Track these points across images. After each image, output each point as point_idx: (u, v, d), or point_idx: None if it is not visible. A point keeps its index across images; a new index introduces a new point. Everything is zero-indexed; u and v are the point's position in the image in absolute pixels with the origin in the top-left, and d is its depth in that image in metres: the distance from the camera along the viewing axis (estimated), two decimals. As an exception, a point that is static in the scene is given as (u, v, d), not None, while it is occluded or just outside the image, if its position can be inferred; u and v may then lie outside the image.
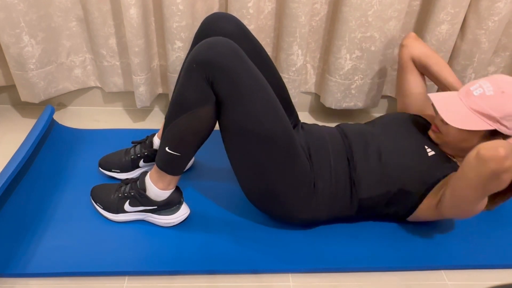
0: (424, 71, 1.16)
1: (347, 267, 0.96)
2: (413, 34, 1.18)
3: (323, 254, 0.98)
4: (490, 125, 0.89)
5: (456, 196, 0.85)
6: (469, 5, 1.27)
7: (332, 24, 1.34)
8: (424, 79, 1.19)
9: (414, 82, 1.17)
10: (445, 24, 1.27)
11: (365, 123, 1.10)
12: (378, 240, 1.03)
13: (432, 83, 1.15)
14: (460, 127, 0.90)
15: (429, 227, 1.06)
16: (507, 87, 0.89)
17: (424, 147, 0.98)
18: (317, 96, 1.56)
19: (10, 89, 1.44)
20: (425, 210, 0.97)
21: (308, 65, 1.47)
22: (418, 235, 1.05)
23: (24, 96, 1.34)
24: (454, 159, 1.00)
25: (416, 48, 1.15)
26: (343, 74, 1.37)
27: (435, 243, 1.03)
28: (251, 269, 0.94)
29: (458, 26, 1.30)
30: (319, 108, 1.60)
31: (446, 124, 0.94)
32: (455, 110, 0.92)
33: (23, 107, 1.48)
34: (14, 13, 1.16)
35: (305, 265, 0.96)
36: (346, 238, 1.03)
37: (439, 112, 0.92)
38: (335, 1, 1.30)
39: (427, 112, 1.14)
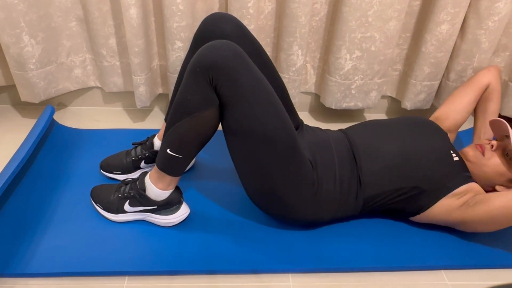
0: (483, 102, 1.20)
1: (347, 267, 0.96)
2: (499, 67, 1.22)
3: (323, 254, 0.98)
4: None
5: (498, 217, 0.91)
6: (469, 5, 1.27)
7: (332, 24, 1.34)
8: (473, 109, 1.22)
9: (469, 103, 1.20)
10: (445, 24, 1.27)
11: (379, 121, 1.11)
12: (378, 240, 1.03)
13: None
14: None
15: (429, 227, 1.06)
16: None
17: (450, 152, 1.02)
18: (317, 96, 1.56)
19: (10, 89, 1.44)
20: (443, 211, 0.98)
21: (308, 65, 1.47)
22: (418, 235, 1.05)
23: (24, 96, 1.34)
24: (469, 171, 1.04)
25: (497, 80, 1.19)
26: (343, 74, 1.37)
27: (435, 243, 1.03)
28: (251, 269, 0.94)
29: (458, 26, 1.30)
30: (319, 108, 1.60)
31: (494, 151, 1.01)
32: None
33: (23, 107, 1.48)
34: (14, 13, 1.16)
35: (305, 265, 0.96)
36: (346, 238, 1.03)
37: None
38: (335, 1, 1.30)
39: (451, 135, 1.19)
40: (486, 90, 1.20)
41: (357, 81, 1.39)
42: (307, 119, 1.56)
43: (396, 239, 1.03)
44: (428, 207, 0.99)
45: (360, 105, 1.46)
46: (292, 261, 0.96)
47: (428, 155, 1.00)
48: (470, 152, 1.05)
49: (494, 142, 1.03)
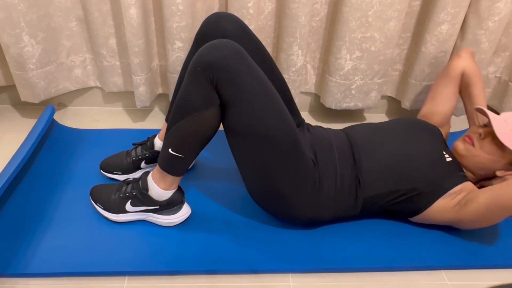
0: (464, 88, 1.18)
1: (347, 267, 0.96)
2: (471, 49, 1.19)
3: (323, 254, 0.98)
4: None
5: (490, 212, 0.91)
6: (469, 5, 1.27)
7: (332, 25, 1.34)
8: (457, 98, 1.21)
9: (450, 94, 1.19)
10: (445, 24, 1.27)
11: (377, 123, 1.11)
12: (378, 240, 1.03)
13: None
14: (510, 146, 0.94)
15: (429, 227, 1.06)
16: None
17: (443, 153, 1.02)
18: (317, 97, 1.56)
19: (10, 89, 1.44)
20: (439, 212, 0.98)
21: (308, 66, 1.47)
22: (418, 235, 1.05)
23: (24, 96, 1.34)
24: (464, 170, 1.03)
25: (471, 64, 1.17)
26: (343, 75, 1.37)
27: (435, 243, 1.03)
28: (251, 269, 0.94)
29: (458, 26, 1.30)
30: (319, 109, 1.60)
31: (483, 139, 1.00)
32: (504, 130, 0.95)
33: (23, 107, 1.48)
34: (14, 13, 1.16)
35: (305, 265, 0.96)
36: (346, 238, 1.03)
37: (495, 129, 0.95)
38: (335, 2, 1.30)
39: (444, 128, 1.19)
40: (463, 76, 1.17)
41: (357, 81, 1.40)
42: (307, 119, 1.56)
43: (396, 239, 1.03)
44: (426, 208, 0.99)
45: (360, 105, 1.46)
46: (292, 261, 0.96)
47: (421, 157, 1.00)
48: (459, 145, 1.04)
49: (482, 130, 1.01)
